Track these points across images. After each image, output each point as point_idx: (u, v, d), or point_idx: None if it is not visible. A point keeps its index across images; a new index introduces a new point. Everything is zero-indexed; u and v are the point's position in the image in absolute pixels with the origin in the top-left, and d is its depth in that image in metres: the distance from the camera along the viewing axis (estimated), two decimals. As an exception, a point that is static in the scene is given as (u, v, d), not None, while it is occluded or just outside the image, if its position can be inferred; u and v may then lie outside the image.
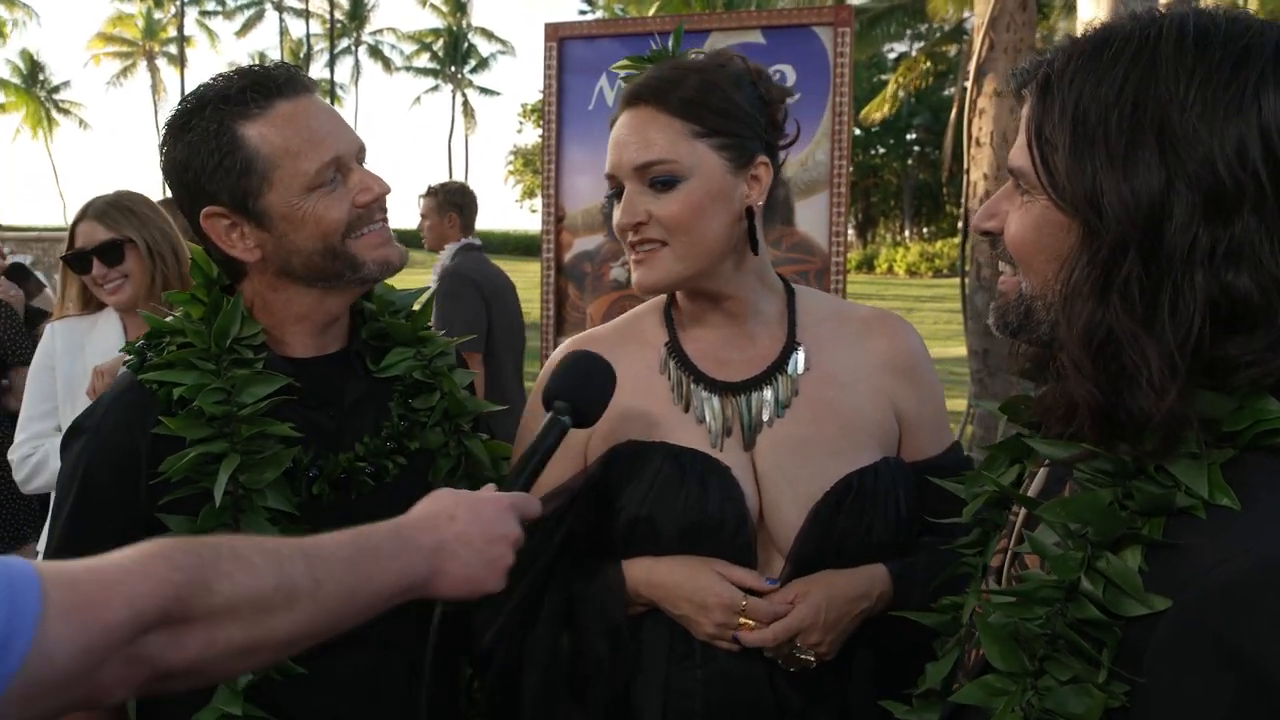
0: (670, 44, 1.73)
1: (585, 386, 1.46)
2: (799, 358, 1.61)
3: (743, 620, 1.50)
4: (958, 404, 7.74)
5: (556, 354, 1.69)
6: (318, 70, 63.17)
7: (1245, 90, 0.93)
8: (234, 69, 1.53)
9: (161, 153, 1.53)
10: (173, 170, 1.51)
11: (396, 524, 1.21)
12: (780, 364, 1.60)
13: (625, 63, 1.75)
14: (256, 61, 1.54)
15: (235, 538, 1.06)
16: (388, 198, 1.55)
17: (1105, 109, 0.97)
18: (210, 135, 1.46)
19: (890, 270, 39.20)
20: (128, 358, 1.57)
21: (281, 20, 64.92)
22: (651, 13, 25.57)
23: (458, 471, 1.65)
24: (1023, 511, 1.23)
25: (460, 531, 1.21)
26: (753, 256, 1.59)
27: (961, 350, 6.37)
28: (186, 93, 1.55)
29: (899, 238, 53.38)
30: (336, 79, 63.54)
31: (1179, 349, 0.93)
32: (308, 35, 64.08)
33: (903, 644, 1.51)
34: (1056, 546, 1.02)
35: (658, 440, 1.57)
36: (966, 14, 23.16)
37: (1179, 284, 0.93)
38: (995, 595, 1.07)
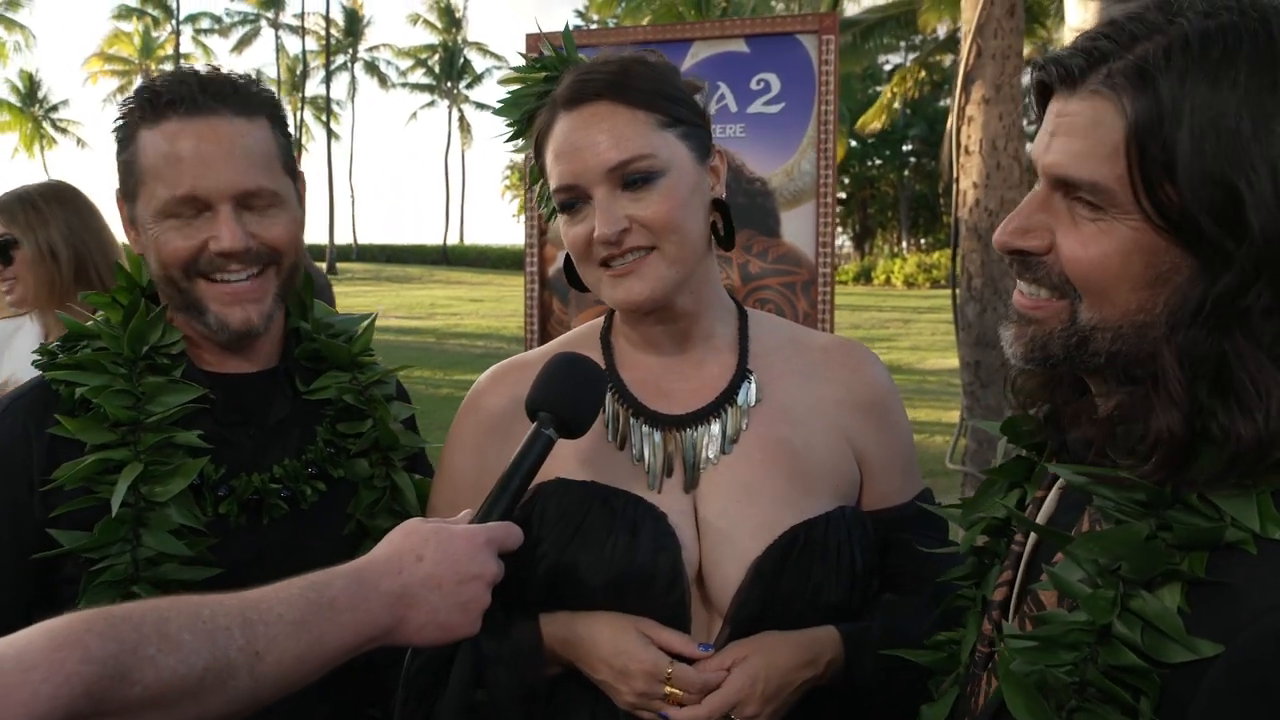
0: (565, 49, 1.61)
1: (572, 394, 1.30)
2: (750, 388, 1.45)
3: (669, 690, 1.33)
4: (956, 416, 7.63)
5: (483, 382, 1.56)
6: (314, 87, 63.38)
7: None
8: (177, 70, 1.48)
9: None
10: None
11: (357, 568, 1.09)
12: (729, 394, 1.45)
13: (512, 74, 1.64)
14: (251, 76, 1.43)
15: (166, 605, 0.93)
16: (252, 252, 1.43)
17: (1234, 117, 0.84)
18: (121, 128, 1.45)
19: (888, 282, 39.16)
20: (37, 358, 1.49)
21: (278, 37, 65.06)
22: (645, 23, 25.57)
23: (379, 504, 1.55)
24: (1031, 540, 1.11)
25: (429, 573, 1.10)
26: (713, 267, 1.46)
27: (956, 362, 6.27)
28: None
29: (896, 249, 53.37)
30: (333, 95, 63.71)
31: None
32: (304, 52, 64.18)
33: (852, 715, 1.39)
34: (1083, 584, 0.91)
35: (586, 479, 1.42)
36: (959, 24, 23.14)
37: None
38: (1014, 640, 0.96)
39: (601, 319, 1.56)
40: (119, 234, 2.41)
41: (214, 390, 1.46)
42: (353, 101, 67.73)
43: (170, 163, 1.38)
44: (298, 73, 63.47)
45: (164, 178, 1.39)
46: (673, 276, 1.37)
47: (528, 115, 1.57)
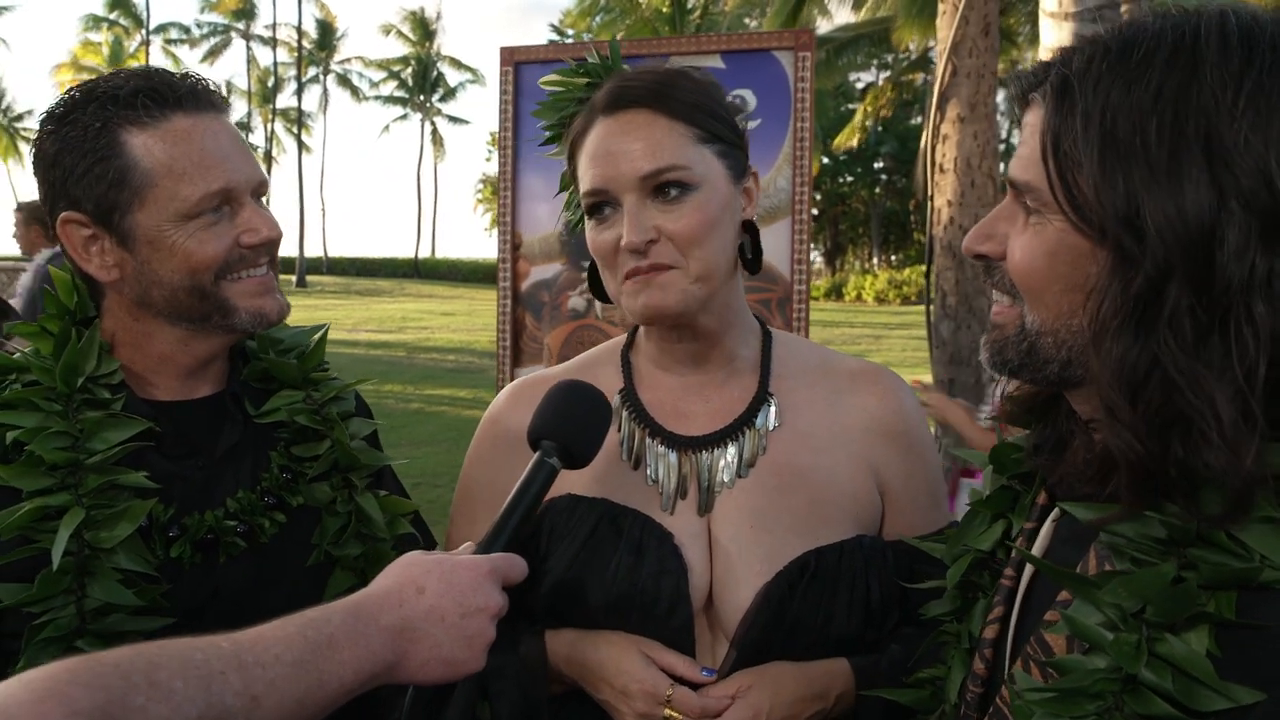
0: (610, 58, 1.59)
1: (575, 421, 1.27)
2: (770, 411, 1.42)
3: (669, 713, 1.31)
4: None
5: (503, 398, 1.54)
6: (285, 99, 63.05)
7: None
8: (139, 67, 1.37)
9: (33, 141, 1.37)
10: (40, 163, 1.35)
11: (355, 602, 1.03)
12: (748, 417, 1.42)
13: (554, 77, 1.61)
14: (220, 86, 1.35)
15: (155, 650, 0.87)
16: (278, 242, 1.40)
17: (1141, 117, 0.83)
18: (89, 134, 1.30)
19: (859, 298, 39.36)
20: None
21: (249, 48, 64.67)
22: (620, 37, 25.60)
23: (347, 531, 1.45)
24: (1025, 576, 1.07)
25: (431, 606, 1.04)
26: (739, 287, 1.43)
27: (929, 379, 6.30)
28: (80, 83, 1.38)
29: (867, 265, 53.70)
30: (305, 108, 63.40)
31: (1251, 392, 0.80)
32: (275, 64, 63.81)
33: None
34: (1103, 627, 0.87)
35: (599, 496, 1.39)
36: (932, 43, 23.33)
37: (1240, 317, 0.80)
38: (1030, 692, 0.91)
39: (624, 336, 1.54)
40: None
41: (158, 421, 1.36)
42: (324, 114, 67.31)
43: (196, 159, 1.30)
44: (269, 84, 63.12)
45: (188, 176, 1.30)
46: (695, 293, 1.34)
47: (564, 121, 1.53)
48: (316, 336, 1.55)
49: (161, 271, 1.33)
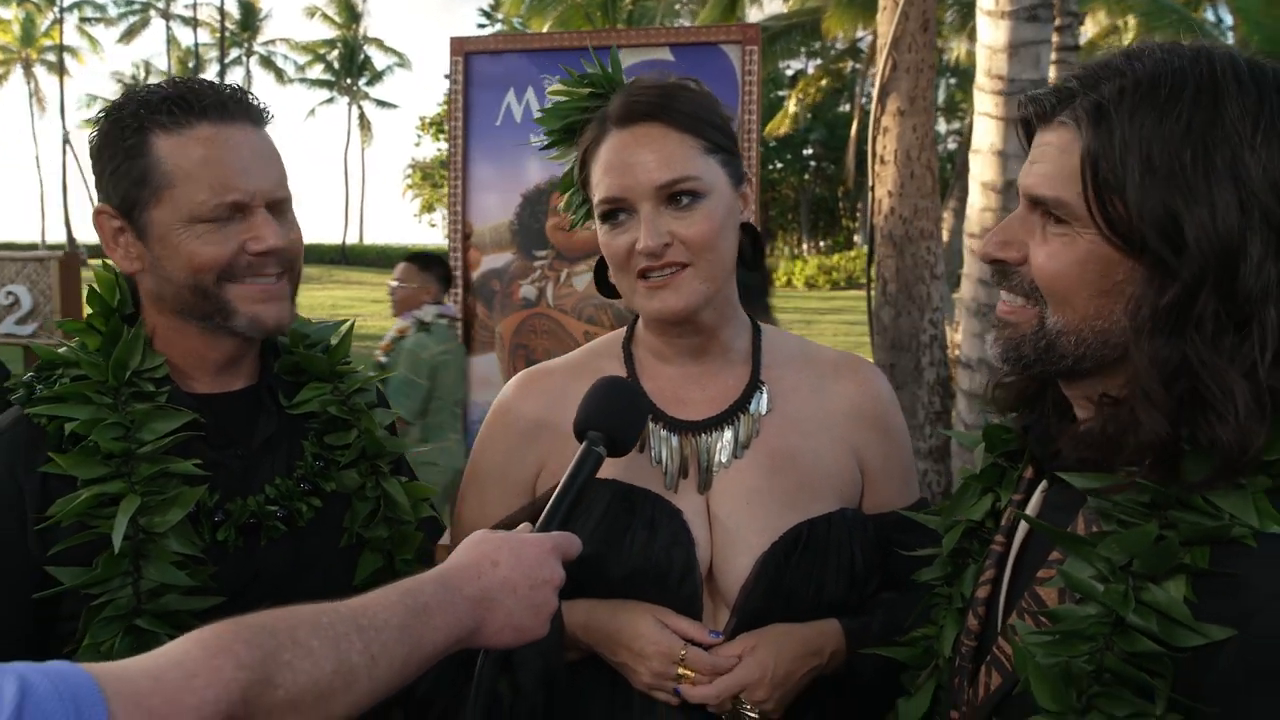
0: (612, 69, 1.67)
1: (619, 414, 1.38)
2: (762, 397, 1.55)
3: (682, 671, 1.43)
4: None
5: (513, 388, 1.63)
6: (207, 80, 61.36)
7: None
8: (177, 78, 1.46)
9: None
10: (91, 158, 1.45)
11: (442, 574, 1.15)
12: (742, 403, 1.54)
13: (559, 87, 1.69)
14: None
15: (290, 616, 0.98)
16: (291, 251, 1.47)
17: (1176, 146, 0.97)
18: (124, 133, 1.40)
19: (789, 283, 39.79)
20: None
21: (169, 28, 63.09)
22: (547, 27, 25.50)
23: (376, 515, 1.55)
24: (1018, 541, 1.20)
25: (505, 578, 1.16)
26: (734, 285, 1.55)
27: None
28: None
29: (797, 251, 54.26)
30: (227, 89, 61.86)
31: (1268, 385, 0.95)
32: (196, 45, 62.34)
33: (846, 705, 1.47)
34: (1095, 580, 1.01)
35: (609, 478, 1.49)
36: (862, 32, 23.68)
37: (1262, 320, 0.95)
38: (1032, 635, 1.04)
39: (623, 329, 1.64)
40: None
41: (201, 413, 1.44)
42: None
43: (211, 166, 1.37)
44: (190, 66, 61.55)
45: (203, 181, 1.37)
46: (704, 291, 1.45)
47: (566, 128, 1.61)
48: (343, 331, 1.64)
49: (169, 268, 1.41)
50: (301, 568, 1.47)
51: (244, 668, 0.89)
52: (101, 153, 1.42)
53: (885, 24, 5.94)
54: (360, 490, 1.54)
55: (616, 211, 1.46)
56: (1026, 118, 1.12)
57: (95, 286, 1.47)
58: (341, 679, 0.96)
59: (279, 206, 1.45)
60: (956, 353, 7.34)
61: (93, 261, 1.62)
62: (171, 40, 63.22)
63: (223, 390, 1.50)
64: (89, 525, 1.33)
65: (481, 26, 38.22)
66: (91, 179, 1.47)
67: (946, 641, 1.32)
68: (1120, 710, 0.96)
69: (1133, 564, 0.98)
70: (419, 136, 51.88)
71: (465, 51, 5.48)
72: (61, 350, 1.45)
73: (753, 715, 1.45)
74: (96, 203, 1.46)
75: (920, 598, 1.39)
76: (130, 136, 1.39)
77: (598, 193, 1.47)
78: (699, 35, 5.51)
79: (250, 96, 1.46)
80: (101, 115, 1.45)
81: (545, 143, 1.68)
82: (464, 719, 1.20)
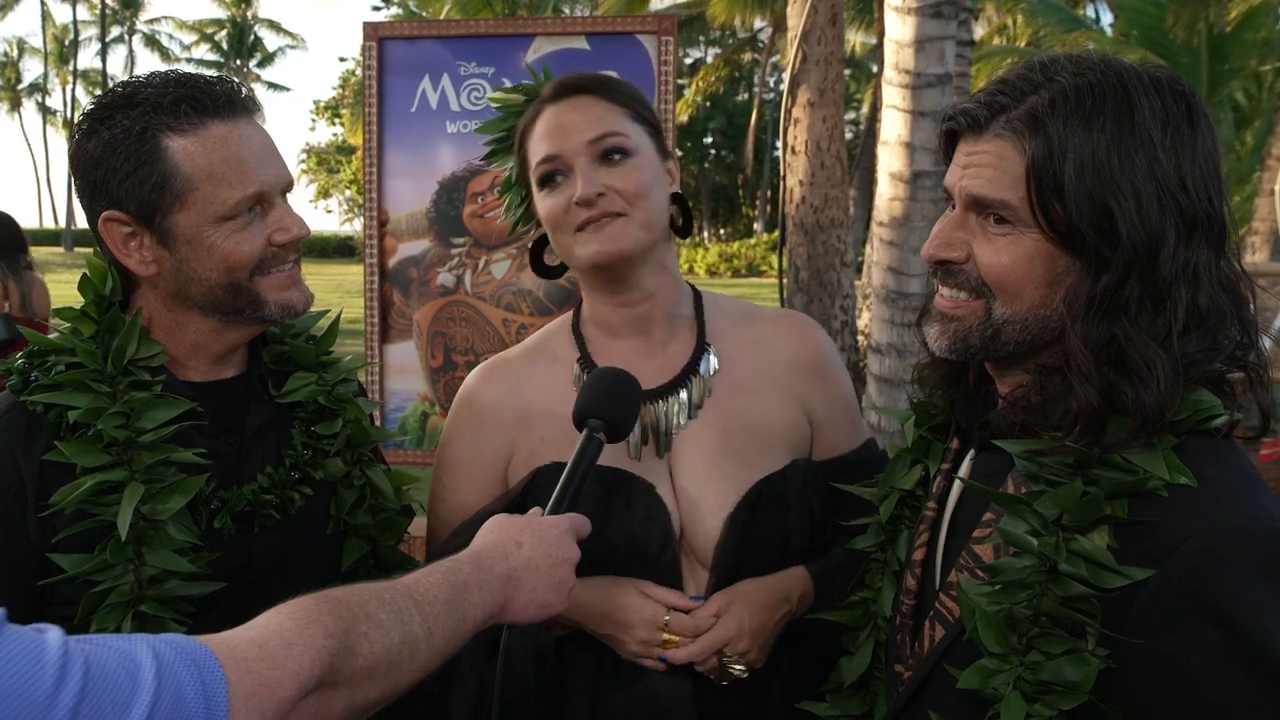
0: (544, 77, 1.74)
1: (616, 401, 1.45)
2: (710, 358, 1.63)
3: (667, 637, 1.51)
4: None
5: (475, 379, 1.67)
6: (87, 59, 59.27)
7: (1197, 135, 1.11)
8: (175, 74, 1.44)
9: (72, 141, 1.42)
10: (81, 163, 1.41)
11: (475, 553, 1.23)
12: (693, 365, 1.62)
13: (499, 95, 1.74)
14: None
15: (360, 591, 1.06)
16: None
17: (1104, 151, 1.09)
18: (131, 138, 1.37)
19: (691, 270, 40.11)
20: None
21: (43, 4, 60.38)
22: (445, 12, 25.15)
23: (363, 503, 1.58)
24: (951, 506, 1.32)
25: (528, 557, 1.25)
26: (672, 252, 1.64)
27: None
28: (118, 83, 1.47)
29: (698, 238, 54.71)
30: (109, 70, 59.64)
31: (1180, 354, 1.08)
32: (75, 21, 59.76)
33: (818, 645, 1.57)
34: (1029, 535, 1.12)
35: None
36: (759, 23, 23.99)
37: (1175, 299, 1.09)
38: (976, 586, 1.16)
39: (569, 314, 1.70)
40: None
41: (196, 401, 1.45)
42: (130, 76, 63.48)
43: (233, 164, 1.38)
44: (67, 44, 59.05)
45: (227, 181, 1.38)
46: (641, 237, 1.54)
47: (506, 135, 1.69)
48: (329, 322, 1.66)
49: (200, 269, 1.41)
50: (291, 554, 1.50)
51: (332, 636, 0.96)
52: (102, 160, 1.39)
53: (795, 17, 6.07)
54: (346, 478, 1.57)
55: (554, 173, 1.55)
56: (953, 130, 1.23)
57: (88, 274, 1.46)
58: (408, 649, 1.04)
59: (288, 192, 1.49)
60: (863, 339, 7.57)
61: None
62: (47, 16, 60.54)
63: (215, 379, 1.51)
64: (90, 513, 1.34)
65: (376, 9, 37.51)
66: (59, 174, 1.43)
67: (886, 602, 1.44)
68: (1056, 648, 1.08)
69: (1062, 518, 1.10)
70: (314, 120, 50.70)
71: (379, 37, 5.42)
72: (54, 337, 1.44)
73: (739, 668, 1.53)
74: (87, 208, 1.43)
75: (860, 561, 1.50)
76: (140, 141, 1.37)
77: (534, 157, 1.57)
78: (615, 25, 5.54)
79: (245, 88, 1.47)
80: (94, 120, 1.40)
81: (485, 153, 1.75)
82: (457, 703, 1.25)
